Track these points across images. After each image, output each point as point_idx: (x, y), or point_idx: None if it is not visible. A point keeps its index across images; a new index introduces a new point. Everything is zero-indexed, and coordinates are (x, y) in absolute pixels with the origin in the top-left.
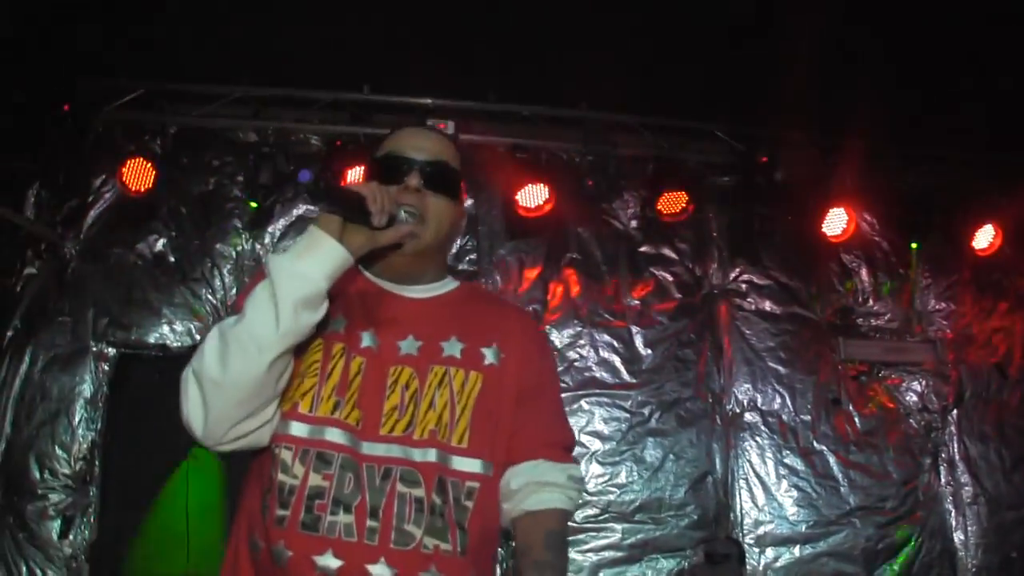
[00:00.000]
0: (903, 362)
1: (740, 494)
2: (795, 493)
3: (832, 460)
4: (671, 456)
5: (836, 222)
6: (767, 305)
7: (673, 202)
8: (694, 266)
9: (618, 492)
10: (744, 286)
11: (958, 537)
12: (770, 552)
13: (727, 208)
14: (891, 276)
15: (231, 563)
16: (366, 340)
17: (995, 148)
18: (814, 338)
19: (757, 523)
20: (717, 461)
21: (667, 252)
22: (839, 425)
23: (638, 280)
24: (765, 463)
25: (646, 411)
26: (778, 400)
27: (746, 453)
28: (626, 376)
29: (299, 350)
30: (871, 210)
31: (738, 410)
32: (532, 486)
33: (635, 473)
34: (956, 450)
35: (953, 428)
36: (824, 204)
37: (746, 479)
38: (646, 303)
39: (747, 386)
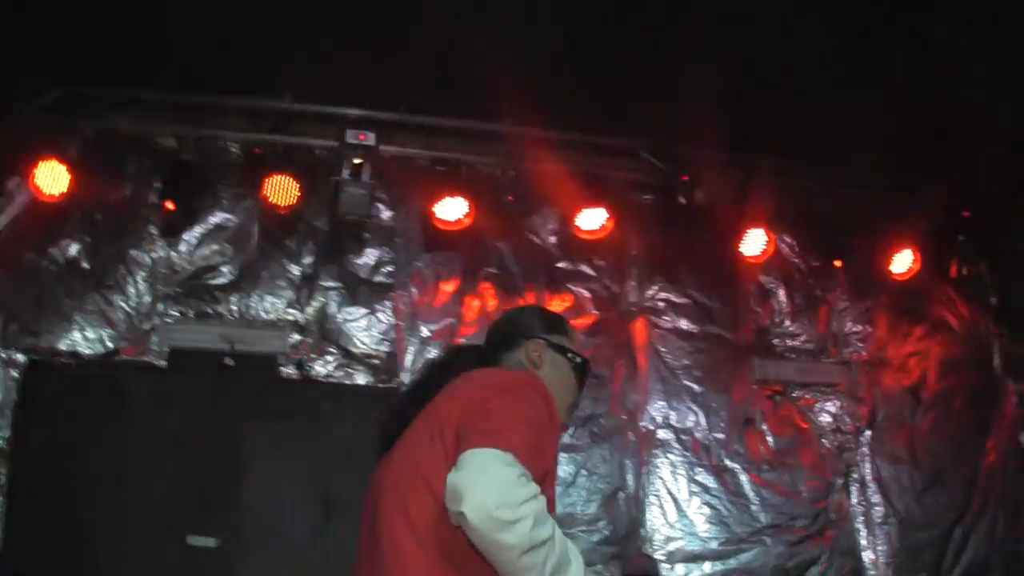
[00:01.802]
0: (817, 383)
1: (651, 510)
2: (707, 510)
3: (744, 478)
4: (584, 472)
5: (755, 243)
6: (683, 324)
7: (593, 219)
8: (612, 283)
9: None
10: (661, 304)
11: (868, 557)
12: (680, 568)
13: (647, 226)
14: (808, 298)
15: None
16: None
17: (915, 174)
18: (729, 357)
19: (668, 539)
20: (629, 477)
21: (585, 269)
22: (752, 444)
23: (555, 296)
24: (677, 480)
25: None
26: (692, 418)
27: (658, 470)
28: None
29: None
30: (790, 232)
31: (652, 427)
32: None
33: None
34: (868, 471)
35: (865, 449)
36: (743, 225)
37: (658, 496)
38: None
39: (661, 403)
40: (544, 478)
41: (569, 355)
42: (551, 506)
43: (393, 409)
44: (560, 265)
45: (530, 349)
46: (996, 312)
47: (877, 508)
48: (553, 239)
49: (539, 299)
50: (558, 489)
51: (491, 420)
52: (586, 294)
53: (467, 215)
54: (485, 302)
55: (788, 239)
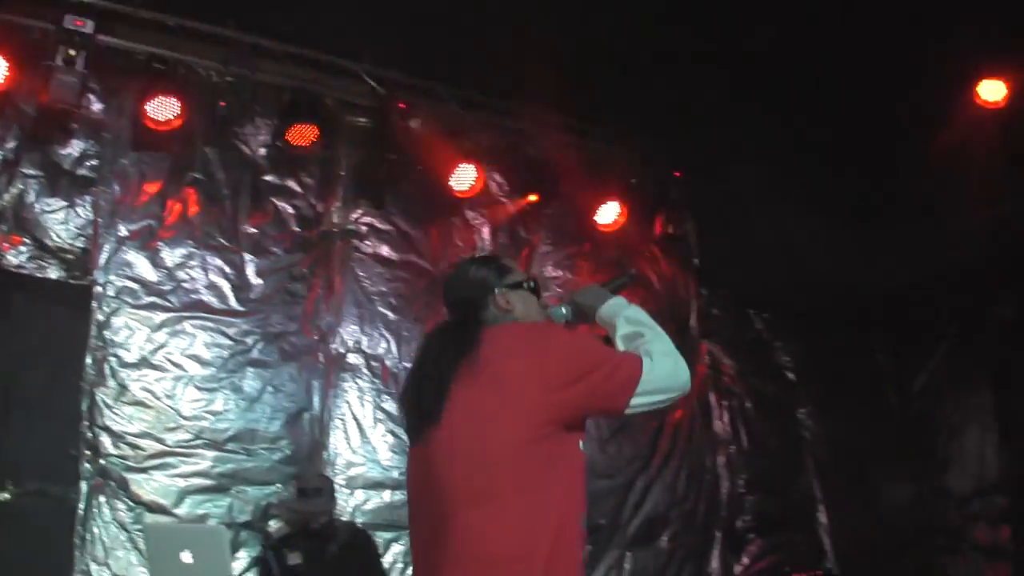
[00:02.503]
0: None
1: (335, 434)
2: (390, 439)
3: None
4: (270, 388)
5: (464, 178)
6: (385, 250)
7: (304, 135)
8: (316, 202)
9: (213, 419)
10: (364, 228)
11: None
12: (360, 494)
13: (358, 149)
14: (512, 237)
15: (552, 549)
16: None
17: (630, 130)
18: (427, 289)
19: (350, 464)
20: (316, 399)
21: (291, 184)
22: None
23: (258, 209)
24: (363, 406)
25: (249, 340)
26: (383, 345)
27: (345, 394)
28: (233, 303)
29: None
30: (501, 171)
31: (342, 350)
32: None
33: (232, 402)
34: None
35: None
36: (455, 159)
37: (343, 420)
38: (263, 232)
39: (354, 328)
40: None
41: (524, 285)
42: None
43: (418, 388)
44: (267, 178)
45: (498, 302)
46: (696, 273)
47: None
48: (263, 151)
49: (241, 210)
50: (241, 403)
51: (602, 366)
52: (289, 210)
53: (178, 116)
54: (187, 207)
55: (498, 178)
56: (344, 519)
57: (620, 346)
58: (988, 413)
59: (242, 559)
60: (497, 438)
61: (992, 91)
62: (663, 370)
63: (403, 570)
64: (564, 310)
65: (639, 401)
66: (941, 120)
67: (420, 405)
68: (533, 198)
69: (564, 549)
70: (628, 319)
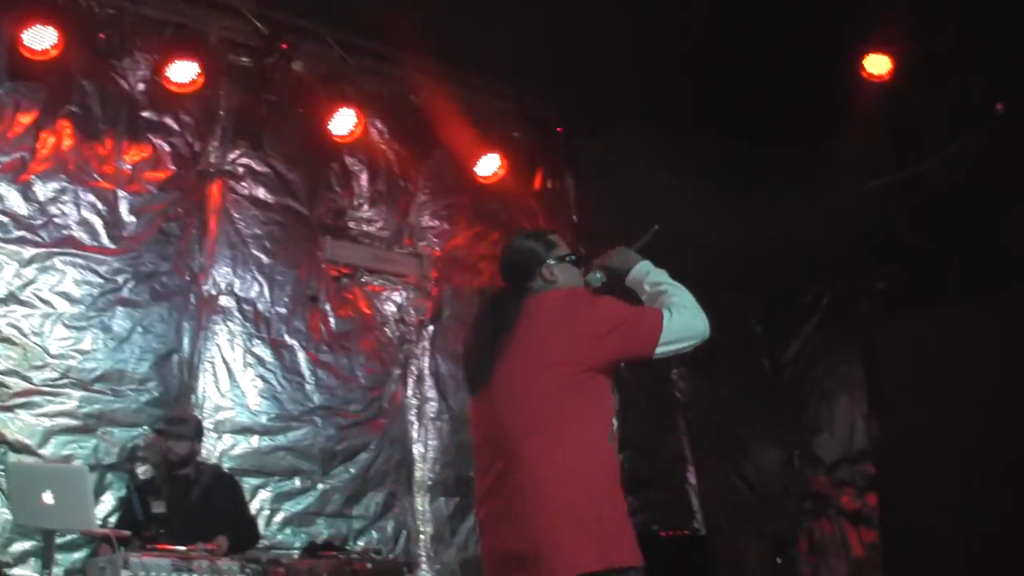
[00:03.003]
0: (387, 271)
1: (205, 377)
2: (260, 384)
3: (301, 356)
4: (139, 329)
5: (344, 123)
6: (261, 193)
7: (184, 72)
8: (194, 141)
9: (80, 359)
10: (241, 170)
11: (418, 449)
12: (228, 439)
13: (239, 89)
14: (390, 186)
15: (604, 471)
16: None
17: (518, 83)
18: (302, 233)
19: (218, 408)
20: (186, 341)
21: (169, 122)
22: (313, 323)
23: (134, 145)
24: (234, 349)
25: (120, 279)
26: (256, 288)
27: (216, 336)
28: (105, 240)
29: None
30: (383, 118)
31: (214, 292)
32: None
33: (100, 341)
34: (427, 365)
35: (427, 344)
36: (336, 103)
37: (212, 363)
38: (138, 169)
39: (227, 270)
40: None
41: (568, 259)
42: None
43: (475, 347)
44: (144, 114)
45: (544, 274)
46: (574, 229)
47: (432, 403)
48: (141, 86)
49: (117, 146)
50: (110, 343)
51: (628, 320)
52: (166, 148)
53: (55, 46)
54: (61, 140)
55: (380, 125)
56: (211, 463)
57: (647, 303)
58: (858, 383)
59: (108, 502)
60: (551, 384)
61: (877, 65)
62: (682, 321)
63: (270, 517)
64: (598, 274)
65: (663, 349)
66: (825, 91)
67: (479, 363)
68: (413, 150)
69: (608, 461)
70: (651, 281)
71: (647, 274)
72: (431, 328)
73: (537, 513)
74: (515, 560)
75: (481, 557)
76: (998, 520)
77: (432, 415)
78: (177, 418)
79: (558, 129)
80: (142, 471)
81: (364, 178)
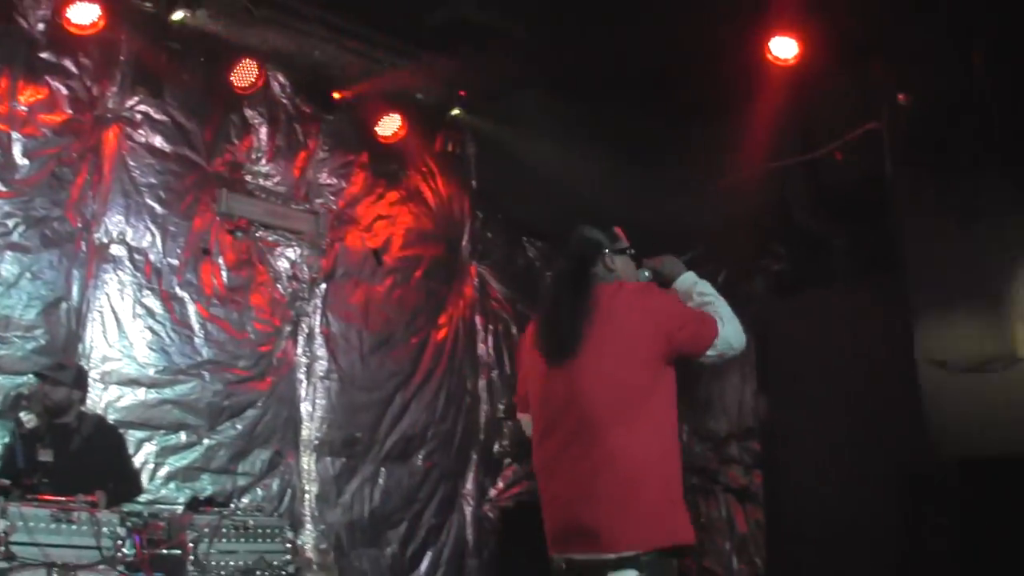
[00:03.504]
0: (282, 227)
1: (93, 326)
2: (149, 336)
3: (192, 309)
4: (28, 275)
5: (246, 75)
6: (158, 141)
7: (84, 14)
8: (93, 85)
9: None
10: (139, 117)
11: (305, 408)
12: (115, 390)
13: (141, 35)
14: (289, 141)
15: (674, 459)
16: None
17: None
18: (198, 184)
19: (105, 359)
20: (75, 289)
21: (68, 64)
22: (205, 276)
23: (30, 85)
24: (124, 299)
25: (10, 223)
26: (149, 238)
27: (106, 285)
28: None
29: None
30: (285, 72)
31: (106, 240)
32: None
33: None
34: (318, 323)
35: (319, 302)
36: (238, 55)
37: (101, 312)
38: (33, 111)
39: (120, 218)
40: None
41: (627, 251)
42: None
43: (558, 321)
44: (43, 55)
45: (605, 262)
46: (473, 194)
47: (321, 362)
48: (41, 26)
49: (13, 86)
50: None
51: (692, 325)
52: (63, 91)
53: None
54: None
55: (281, 79)
56: (94, 413)
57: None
58: (749, 361)
59: None
60: (632, 374)
61: (783, 48)
62: (731, 331)
63: (154, 471)
64: (647, 273)
65: (712, 352)
66: (731, 71)
67: (558, 338)
68: (314, 106)
69: (676, 449)
70: (699, 291)
71: (695, 284)
72: (324, 286)
73: (615, 496)
74: (590, 534)
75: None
76: (878, 501)
77: (321, 374)
78: (57, 364)
79: (460, 92)
80: (27, 419)
81: (263, 132)
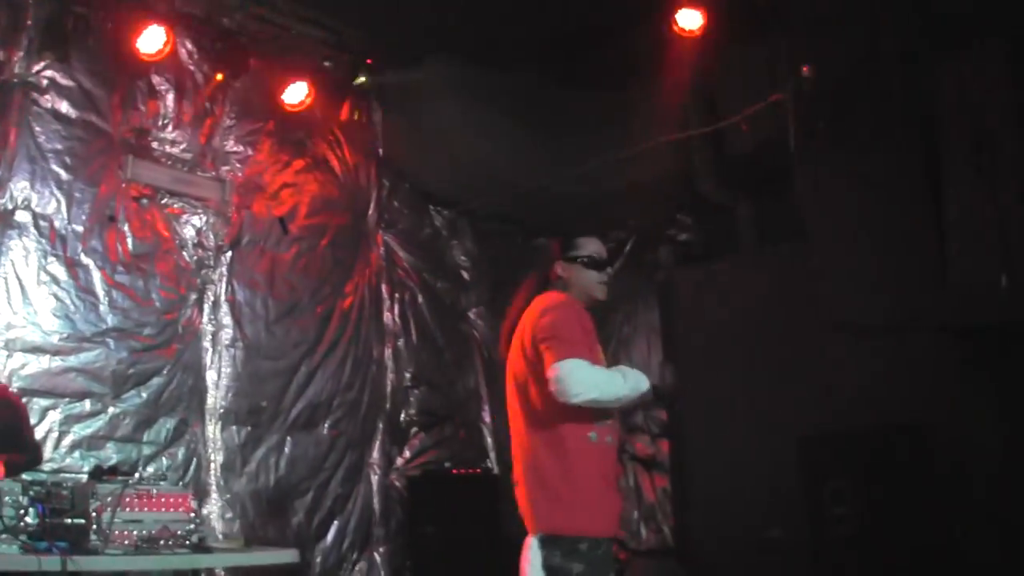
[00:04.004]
0: (188, 194)
1: None
2: (53, 302)
3: (97, 276)
4: None
5: (153, 40)
6: (64, 107)
7: None
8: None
9: None
10: (45, 82)
11: (211, 377)
12: (19, 358)
13: (46, 1)
14: (196, 108)
15: (569, 461)
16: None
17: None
18: (104, 151)
19: (9, 326)
20: None
21: None
22: (111, 243)
23: None
24: (28, 265)
25: None
26: (54, 204)
27: (11, 252)
28: None
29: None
30: (193, 39)
31: (11, 207)
32: None
33: None
34: (223, 291)
35: (224, 270)
36: (146, 20)
37: (5, 280)
38: None
39: (25, 184)
40: (591, 349)
41: (579, 260)
42: (598, 360)
43: (507, 326)
44: None
45: (558, 271)
46: (380, 162)
47: (227, 330)
48: None
49: None
50: None
51: (549, 341)
52: None
53: None
54: None
55: (189, 45)
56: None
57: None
58: (655, 329)
59: None
60: (531, 382)
61: (689, 19)
62: (577, 376)
63: (59, 439)
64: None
65: (550, 374)
66: (638, 40)
67: (503, 340)
68: (221, 72)
69: (580, 460)
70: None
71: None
72: (229, 254)
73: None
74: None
75: None
76: (784, 469)
77: (227, 342)
78: None
79: (367, 60)
80: None
81: (171, 98)
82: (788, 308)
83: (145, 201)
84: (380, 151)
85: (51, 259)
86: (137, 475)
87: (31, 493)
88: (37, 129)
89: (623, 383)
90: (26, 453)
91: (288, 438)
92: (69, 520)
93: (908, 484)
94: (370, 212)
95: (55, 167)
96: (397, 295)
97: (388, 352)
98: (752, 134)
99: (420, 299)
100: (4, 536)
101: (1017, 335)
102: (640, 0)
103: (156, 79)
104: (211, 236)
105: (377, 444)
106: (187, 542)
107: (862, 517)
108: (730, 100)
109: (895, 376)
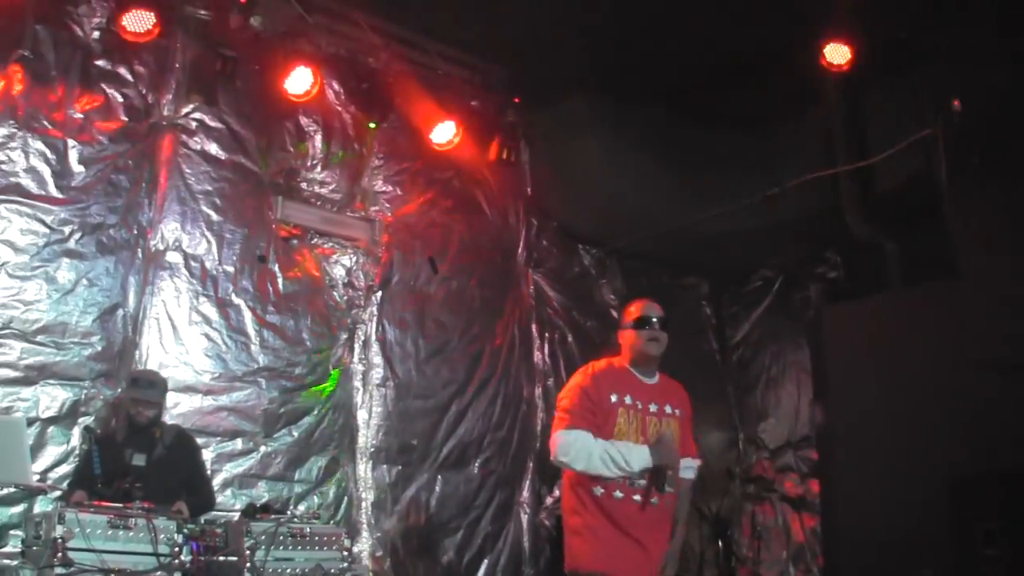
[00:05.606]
0: (338, 235)
1: (150, 333)
2: (205, 342)
3: (248, 316)
4: (85, 281)
5: (301, 82)
6: (213, 148)
7: (140, 21)
8: (148, 92)
9: (23, 309)
10: (194, 124)
11: (362, 416)
12: (171, 397)
13: (196, 41)
14: (345, 148)
15: (580, 504)
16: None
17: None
18: (253, 192)
19: (162, 365)
20: (131, 295)
21: (123, 72)
22: (261, 283)
23: (86, 93)
24: (180, 306)
25: (67, 230)
26: (204, 245)
27: (162, 292)
28: (53, 190)
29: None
30: (340, 80)
31: (162, 247)
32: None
33: (44, 292)
34: (374, 331)
35: (375, 309)
36: (293, 61)
37: (158, 319)
38: (89, 119)
39: (176, 225)
40: (604, 422)
41: (627, 326)
42: (610, 432)
43: None
44: (98, 63)
45: (618, 339)
46: (528, 201)
47: (377, 369)
48: (96, 34)
49: (69, 94)
50: (54, 294)
51: (557, 407)
52: (119, 98)
53: None
54: (11, 85)
55: (336, 86)
56: (171, 422)
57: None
58: (804, 369)
59: (49, 456)
60: None
61: (837, 54)
62: (563, 446)
63: (211, 477)
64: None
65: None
66: (782, 77)
67: None
68: (372, 126)
69: (588, 504)
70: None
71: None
72: (379, 294)
73: None
74: None
75: None
76: (935, 509)
77: (377, 381)
78: (147, 382)
79: (515, 99)
80: (95, 424)
81: (318, 139)
82: (938, 345)
83: (295, 241)
84: (528, 190)
85: (202, 299)
86: (289, 513)
87: (185, 531)
88: (187, 171)
89: (604, 463)
90: (203, 493)
91: (438, 476)
92: (223, 558)
93: None
94: (519, 251)
95: (205, 208)
96: (547, 334)
97: (538, 391)
98: (900, 169)
99: (570, 338)
100: (159, 574)
101: None
102: (785, 36)
103: (304, 120)
104: (361, 276)
105: (527, 483)
106: None
107: (1014, 559)
108: (877, 135)
109: None
